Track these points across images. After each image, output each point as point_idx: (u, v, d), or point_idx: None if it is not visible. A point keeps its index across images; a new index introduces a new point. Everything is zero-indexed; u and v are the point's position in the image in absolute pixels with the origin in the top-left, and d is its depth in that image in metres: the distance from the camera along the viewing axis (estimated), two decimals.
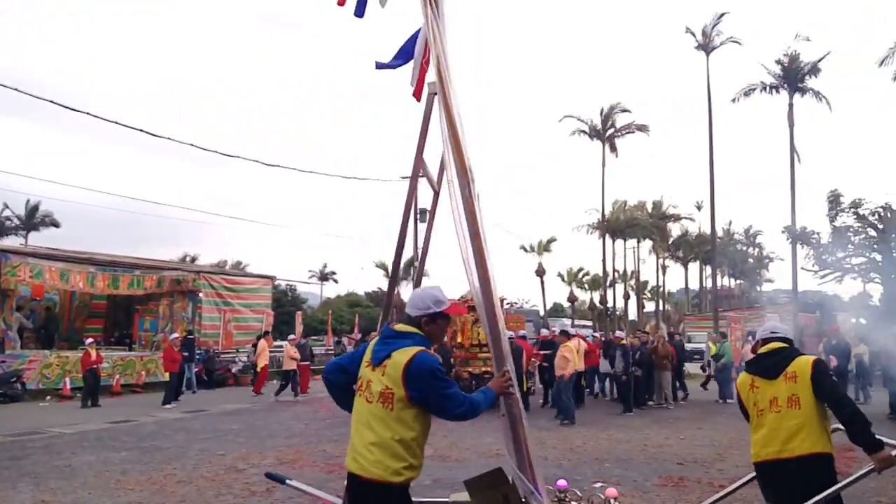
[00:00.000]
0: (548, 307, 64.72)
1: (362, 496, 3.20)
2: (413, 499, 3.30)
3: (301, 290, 60.14)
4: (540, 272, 61.35)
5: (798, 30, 55.55)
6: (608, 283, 55.97)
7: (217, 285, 24.41)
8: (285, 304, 47.47)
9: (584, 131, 46.99)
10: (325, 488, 7.63)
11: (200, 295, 23.45)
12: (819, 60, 34.25)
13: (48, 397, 17.73)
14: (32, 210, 53.77)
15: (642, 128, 46.91)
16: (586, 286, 68.16)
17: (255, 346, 21.59)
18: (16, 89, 14.72)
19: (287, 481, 4.46)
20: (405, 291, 56.84)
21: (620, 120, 47.07)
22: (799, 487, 3.81)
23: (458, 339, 15.72)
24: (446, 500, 4.74)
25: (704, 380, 19.81)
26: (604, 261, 50.69)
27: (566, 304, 69.69)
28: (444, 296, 3.42)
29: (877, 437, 3.75)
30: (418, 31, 4.95)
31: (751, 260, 71.70)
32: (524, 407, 3.80)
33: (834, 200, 24.41)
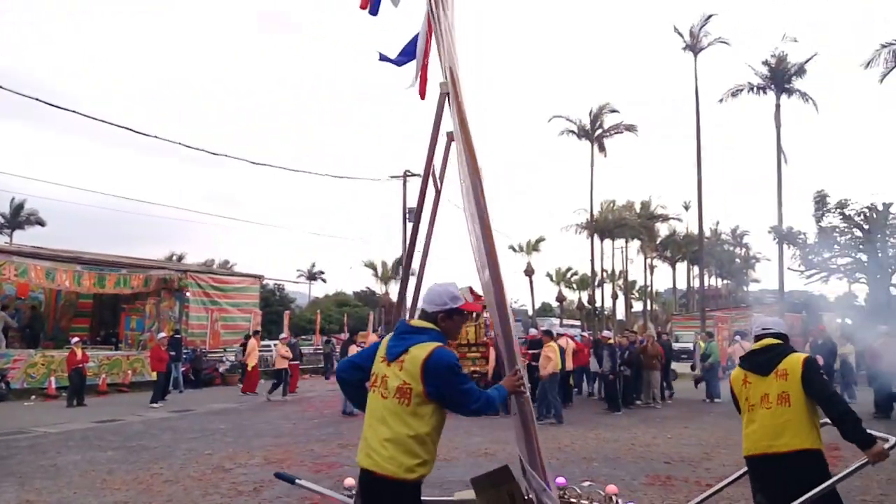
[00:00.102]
0: (536, 307, 64.92)
1: (375, 493, 3.17)
2: None
3: (289, 290, 60.01)
4: (529, 272, 61.47)
5: (786, 31, 55.72)
6: (596, 283, 56.14)
7: (204, 284, 24.29)
8: (273, 303, 47.29)
9: (572, 131, 47.17)
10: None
11: (187, 294, 23.33)
12: (806, 62, 34.56)
13: (33, 397, 17.58)
14: (17, 208, 53.31)
15: (631, 128, 47.12)
16: (575, 286, 68.39)
17: (243, 345, 21.51)
18: None
19: (297, 481, 4.46)
20: (392, 291, 56.83)
21: (609, 120, 47.31)
22: (790, 482, 3.87)
23: None
24: (451, 498, 4.75)
25: (697, 378, 19.85)
26: (592, 260, 50.90)
27: (555, 304, 69.87)
28: (460, 292, 3.42)
29: (868, 431, 3.82)
30: (424, 30, 4.97)
31: (738, 260, 72.18)
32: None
33: (820, 201, 24.62)
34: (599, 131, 47.15)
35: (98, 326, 24.75)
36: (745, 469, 4.49)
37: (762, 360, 4.19)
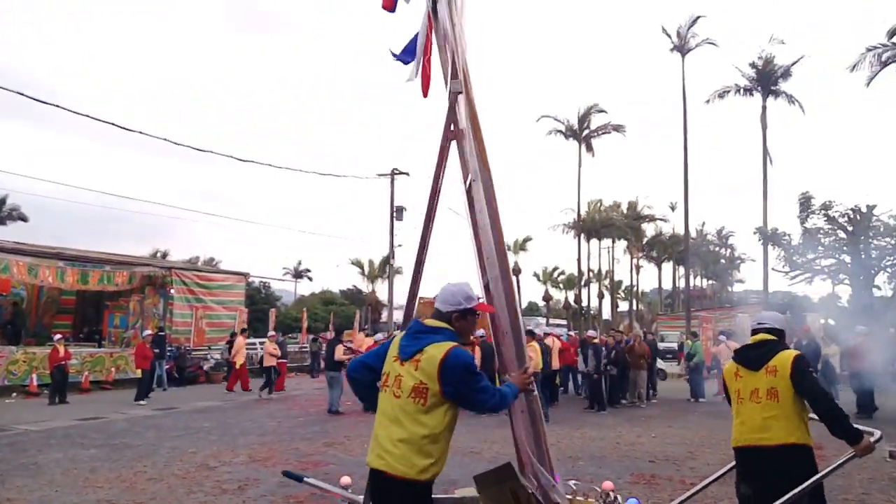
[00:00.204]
0: (523, 306, 64.98)
1: (385, 493, 3.15)
2: None
3: (275, 288, 59.77)
4: (516, 271, 61.51)
5: (773, 33, 56.09)
6: (583, 283, 56.32)
7: (189, 282, 24.11)
8: (259, 301, 47.09)
9: (560, 131, 47.31)
10: (299, 487, 7.58)
11: (172, 291, 23.17)
12: (792, 64, 34.85)
13: (14, 394, 17.40)
14: None
15: (618, 128, 47.33)
16: (561, 285, 68.63)
17: (229, 343, 21.38)
18: None
19: (305, 479, 4.45)
20: (380, 289, 56.73)
21: (597, 120, 47.54)
22: (775, 475, 3.96)
23: None
24: (453, 496, 4.75)
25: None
26: (579, 260, 51.07)
27: (541, 303, 70.03)
28: (474, 292, 3.43)
29: (855, 426, 3.91)
30: (424, 28, 4.99)
31: (723, 260, 72.60)
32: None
33: (805, 202, 24.76)
34: (587, 131, 47.33)
35: (81, 323, 24.54)
36: (731, 465, 4.59)
37: (754, 356, 4.28)
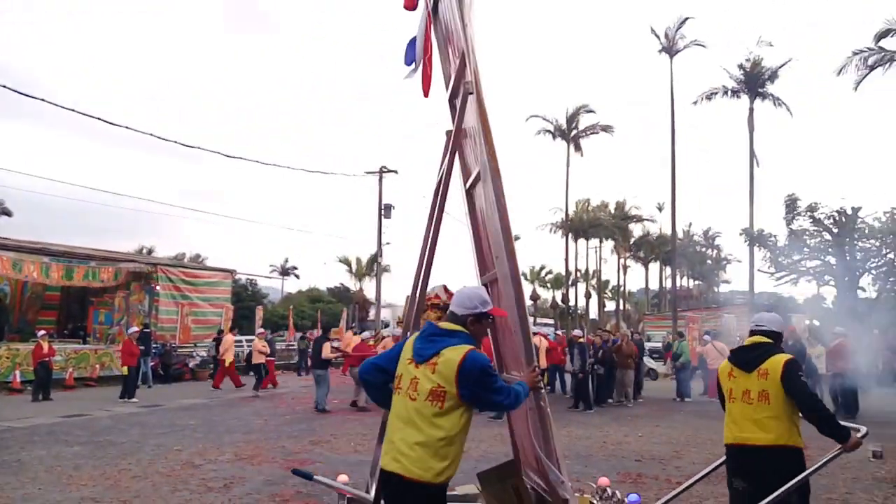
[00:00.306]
0: None
1: (401, 496, 3.15)
2: None
3: (262, 285, 59.28)
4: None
5: (761, 35, 56.42)
6: (570, 282, 56.49)
7: (175, 278, 23.94)
8: (245, 298, 46.73)
9: (549, 131, 47.41)
10: (286, 484, 7.58)
11: (157, 288, 23.01)
12: (780, 67, 35.08)
13: None
14: None
15: (607, 128, 47.50)
16: (549, 285, 68.75)
17: (216, 340, 21.25)
18: None
19: (314, 477, 4.47)
20: (367, 287, 56.61)
21: (585, 120, 47.66)
22: (766, 474, 4.05)
23: None
24: (453, 492, 4.76)
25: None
26: (566, 260, 51.24)
27: (529, 302, 70.05)
28: (489, 297, 3.44)
29: (842, 425, 4.07)
30: (423, 27, 4.98)
31: (709, 261, 72.99)
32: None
33: (791, 204, 24.95)
34: (575, 131, 47.46)
35: (65, 319, 24.34)
36: (716, 464, 4.74)
37: (748, 358, 4.36)
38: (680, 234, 55.28)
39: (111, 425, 12.20)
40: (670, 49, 37.47)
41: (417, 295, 4.83)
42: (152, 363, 20.26)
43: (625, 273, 68.98)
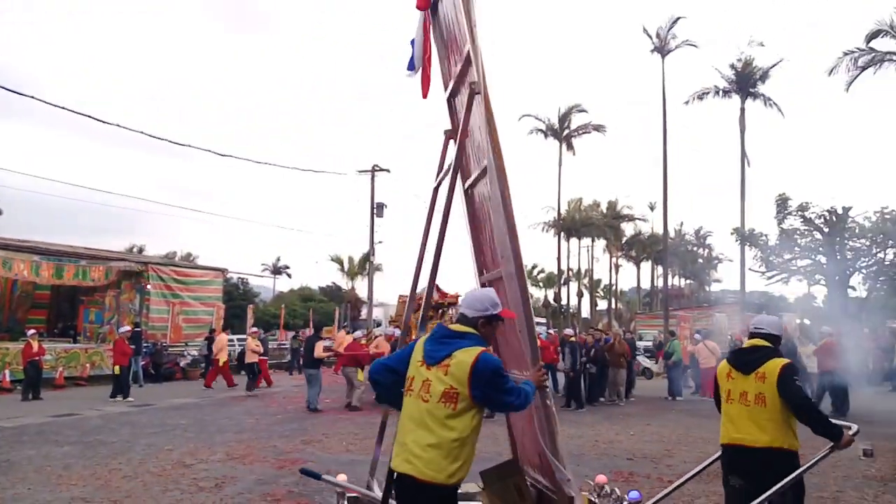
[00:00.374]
0: None
1: (413, 498, 3.17)
2: None
3: (253, 284, 59.24)
4: None
5: (752, 35, 56.62)
6: (562, 281, 56.57)
7: (166, 277, 23.84)
8: (237, 297, 46.65)
9: (541, 130, 47.48)
10: (276, 484, 7.56)
11: (148, 287, 22.92)
12: (771, 67, 35.24)
13: None
14: None
15: (599, 128, 47.61)
16: (541, 284, 68.80)
17: (208, 339, 21.15)
18: None
19: (323, 476, 4.49)
20: (359, 286, 56.52)
21: (577, 120, 47.77)
22: (762, 475, 4.11)
23: (413, 337, 15.62)
24: None
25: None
26: (558, 259, 51.34)
27: None
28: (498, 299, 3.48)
29: (834, 424, 4.17)
30: (421, 26, 4.97)
31: (700, 260, 73.21)
32: None
33: (782, 204, 25.00)
34: (568, 131, 47.55)
35: (56, 318, 24.24)
36: (709, 460, 4.85)
37: (747, 360, 4.44)
38: (671, 234, 55.48)
39: (101, 425, 12.14)
40: (662, 49, 37.56)
41: (411, 295, 4.83)
42: (143, 362, 20.16)
43: (616, 272, 69.09)
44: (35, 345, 16.16)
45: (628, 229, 63.56)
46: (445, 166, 5.03)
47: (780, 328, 4.60)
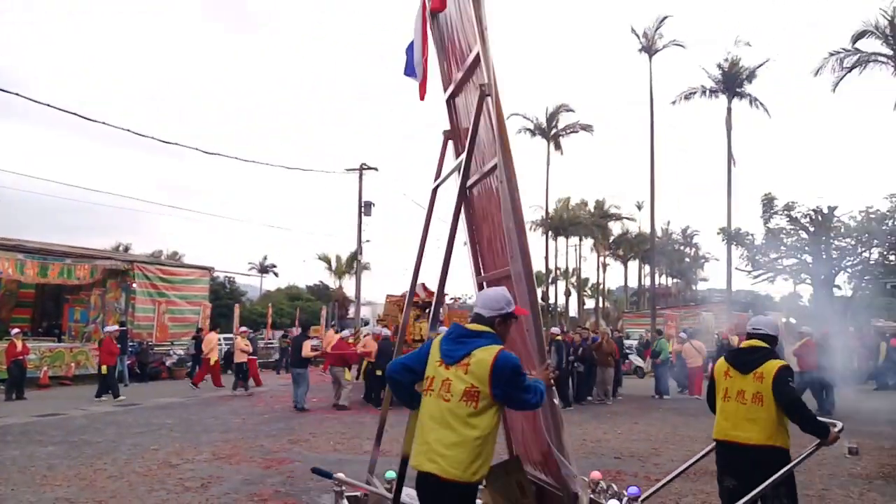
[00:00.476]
0: None
1: (437, 496, 3.20)
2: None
3: (240, 283, 58.85)
4: None
5: (739, 35, 56.91)
6: (550, 280, 56.68)
7: (152, 276, 23.66)
8: (223, 296, 46.36)
9: (529, 129, 47.53)
10: (264, 484, 7.52)
11: (134, 286, 22.75)
12: (757, 67, 35.44)
13: None
14: None
15: (586, 127, 47.72)
16: None
17: (195, 338, 21.00)
18: None
19: (334, 475, 4.50)
20: (347, 285, 56.38)
21: (565, 119, 47.84)
22: (754, 471, 4.25)
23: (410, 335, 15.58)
24: None
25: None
26: (546, 257, 51.40)
27: None
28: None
29: (821, 422, 4.32)
30: (419, 27, 4.95)
31: (687, 259, 73.60)
32: None
33: (768, 203, 25.09)
34: (555, 130, 47.63)
35: (40, 317, 24.04)
36: (696, 458, 5.05)
37: (745, 360, 4.56)
38: (659, 233, 55.72)
39: (86, 425, 12.04)
40: (649, 49, 37.67)
41: (410, 295, 4.80)
42: (129, 362, 20.01)
43: (604, 271, 69.38)
44: (19, 344, 16.03)
45: (616, 228, 63.91)
46: (445, 166, 5.03)
47: (776, 329, 4.70)
